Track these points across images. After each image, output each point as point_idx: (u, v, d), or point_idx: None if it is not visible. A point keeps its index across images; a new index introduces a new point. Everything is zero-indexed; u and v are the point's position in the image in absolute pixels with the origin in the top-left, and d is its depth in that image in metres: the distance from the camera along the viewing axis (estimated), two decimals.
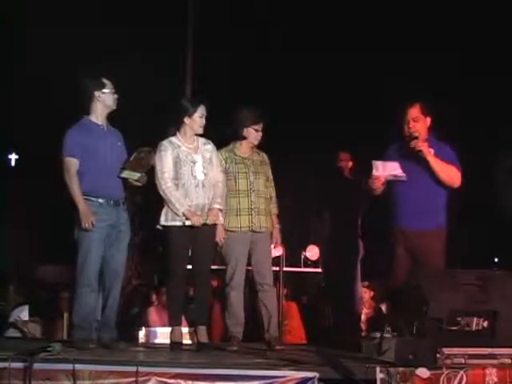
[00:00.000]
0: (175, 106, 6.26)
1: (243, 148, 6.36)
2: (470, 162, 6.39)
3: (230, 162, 6.29)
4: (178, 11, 11.42)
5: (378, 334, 5.26)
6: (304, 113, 11.88)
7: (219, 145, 6.35)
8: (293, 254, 9.14)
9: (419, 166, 6.07)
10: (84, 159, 5.82)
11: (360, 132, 10.63)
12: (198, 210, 6.00)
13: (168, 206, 6.00)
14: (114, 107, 6.01)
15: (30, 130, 12.36)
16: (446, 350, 5.01)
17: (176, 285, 6.05)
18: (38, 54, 10.84)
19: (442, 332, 5.10)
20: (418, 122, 6.15)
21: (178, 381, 4.75)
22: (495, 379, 4.98)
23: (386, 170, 6.07)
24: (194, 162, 6.07)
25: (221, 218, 6.12)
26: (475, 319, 5.17)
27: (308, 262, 9.41)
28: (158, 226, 6.09)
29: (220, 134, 6.50)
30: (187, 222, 5.96)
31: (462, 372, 4.95)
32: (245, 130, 6.30)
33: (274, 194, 6.45)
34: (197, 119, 6.10)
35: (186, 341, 6.44)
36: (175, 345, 6.02)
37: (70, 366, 4.70)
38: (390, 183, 6.13)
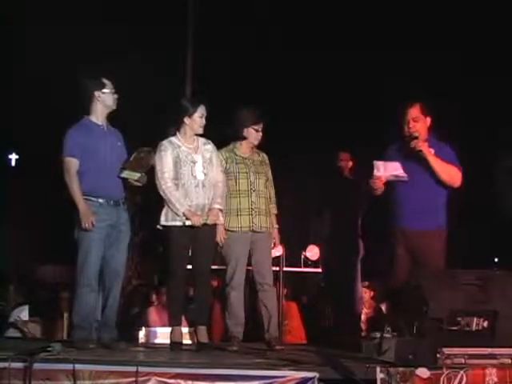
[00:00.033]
0: (175, 106, 6.26)
1: (243, 148, 6.36)
2: (470, 161, 6.39)
3: (230, 162, 6.29)
4: (178, 11, 11.42)
5: (378, 334, 5.25)
6: (304, 113, 11.88)
7: (219, 145, 6.35)
8: (293, 254, 9.14)
9: (419, 166, 6.08)
10: (84, 159, 5.82)
11: (360, 132, 10.63)
12: (198, 210, 6.00)
13: (168, 206, 6.00)
14: (114, 107, 6.01)
15: (30, 129, 12.36)
16: (446, 350, 5.01)
17: (176, 285, 6.05)
18: (38, 54, 10.84)
19: (442, 332, 5.10)
20: (418, 122, 6.15)
21: (178, 381, 4.75)
22: (495, 379, 4.98)
23: (387, 170, 6.07)
24: (194, 162, 6.07)
25: (221, 218, 6.12)
26: (475, 319, 5.17)
27: (308, 262, 9.41)
28: (158, 226, 6.09)
29: (220, 134, 6.50)
30: (187, 222, 5.96)
31: (462, 372, 4.95)
32: (245, 130, 6.30)
33: (273, 195, 6.45)
34: (197, 119, 6.10)
35: (186, 341, 6.44)
36: (175, 345, 6.02)
37: (70, 366, 4.70)
38: (390, 183, 6.13)
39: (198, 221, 5.96)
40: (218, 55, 11.65)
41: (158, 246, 9.27)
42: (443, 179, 6.09)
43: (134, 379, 4.71)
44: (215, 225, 6.09)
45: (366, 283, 8.49)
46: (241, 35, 11.71)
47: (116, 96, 6.00)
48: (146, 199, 8.26)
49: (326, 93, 11.67)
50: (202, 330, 6.08)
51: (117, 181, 5.95)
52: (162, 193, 6.01)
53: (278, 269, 8.12)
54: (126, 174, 5.93)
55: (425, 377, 4.89)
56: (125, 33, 11.08)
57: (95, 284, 5.86)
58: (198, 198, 6.01)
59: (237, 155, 6.33)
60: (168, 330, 6.24)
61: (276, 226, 6.45)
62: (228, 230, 6.20)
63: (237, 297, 6.20)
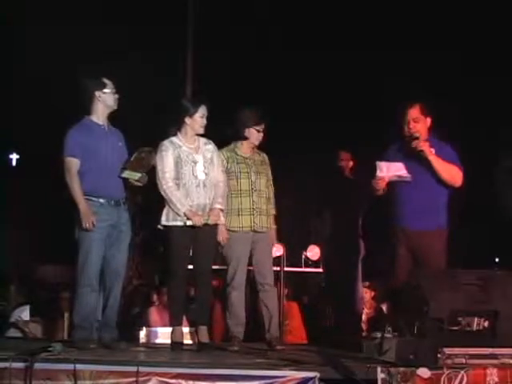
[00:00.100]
0: (176, 106, 6.26)
1: (244, 148, 6.36)
2: (471, 161, 6.39)
3: (231, 162, 6.29)
4: (178, 11, 11.42)
5: (378, 334, 5.25)
6: (304, 113, 11.88)
7: (220, 145, 6.35)
8: (294, 254, 9.13)
9: (420, 165, 6.08)
10: (85, 159, 5.82)
11: (360, 132, 10.63)
12: (199, 209, 6.00)
13: (169, 206, 6.00)
14: (115, 107, 6.01)
15: (30, 129, 12.36)
16: (447, 350, 5.01)
17: (177, 285, 6.05)
18: (38, 54, 10.84)
19: (443, 332, 5.10)
20: (419, 123, 6.16)
21: (179, 381, 4.75)
22: (496, 379, 4.98)
23: (390, 170, 6.07)
24: (195, 162, 6.07)
25: (222, 218, 6.12)
26: (476, 319, 5.17)
27: (309, 262, 9.41)
28: (159, 226, 6.09)
29: (220, 134, 6.50)
30: (188, 222, 5.96)
31: (462, 372, 4.95)
32: (246, 130, 6.30)
33: (272, 195, 6.45)
34: (198, 119, 6.10)
35: (187, 341, 6.44)
36: (176, 345, 6.02)
37: (70, 366, 4.69)
38: (391, 183, 6.13)
39: (199, 221, 5.96)
40: (218, 55, 11.65)
41: (158, 245, 9.26)
42: (444, 179, 6.09)
43: (134, 379, 4.70)
44: (216, 225, 6.09)
45: (367, 283, 8.50)
46: (241, 35, 11.71)
47: (117, 96, 6.00)
48: (147, 199, 8.25)
49: (326, 93, 11.67)
50: (203, 329, 6.08)
51: (117, 181, 5.94)
52: (163, 193, 6.02)
53: (278, 269, 8.12)
54: (126, 174, 5.93)
55: (425, 377, 4.89)
56: (125, 33, 11.09)
57: (96, 284, 5.86)
58: (198, 197, 6.01)
59: (238, 155, 6.33)
60: (169, 329, 6.24)
61: (274, 226, 6.45)
62: (229, 230, 6.20)
63: (238, 297, 6.20)
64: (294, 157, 10.79)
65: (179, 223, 5.98)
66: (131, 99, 6.58)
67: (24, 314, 8.27)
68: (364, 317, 8.36)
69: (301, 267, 9.34)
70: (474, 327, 5.17)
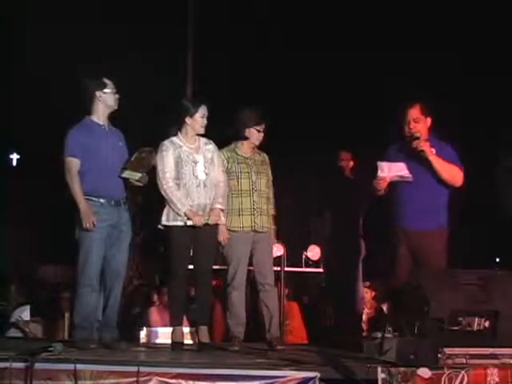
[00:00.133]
0: (176, 106, 6.26)
1: (245, 148, 6.36)
2: (471, 161, 6.39)
3: (232, 162, 6.29)
4: (178, 11, 11.42)
5: (379, 334, 5.25)
6: (304, 113, 11.89)
7: (220, 145, 6.35)
8: (294, 254, 9.14)
9: (421, 165, 6.08)
10: (85, 159, 5.82)
11: (360, 132, 10.63)
12: (199, 209, 6.00)
13: (169, 206, 6.00)
14: (116, 107, 6.01)
15: (30, 129, 12.37)
16: (448, 350, 5.01)
17: (177, 285, 6.05)
18: (38, 54, 10.84)
19: (444, 332, 5.10)
20: (419, 123, 6.15)
21: (180, 381, 4.75)
22: (496, 379, 4.98)
23: (391, 170, 6.07)
24: (196, 162, 6.07)
25: (222, 218, 6.12)
26: (476, 319, 5.17)
27: (309, 262, 9.41)
28: (160, 226, 6.08)
29: (220, 134, 6.50)
30: (189, 222, 5.96)
31: (463, 372, 4.95)
32: (247, 130, 6.29)
33: (272, 195, 6.44)
34: (198, 119, 6.10)
35: (188, 341, 6.44)
36: (176, 345, 6.02)
37: (71, 366, 4.69)
38: (391, 183, 6.13)
39: (199, 221, 5.96)
40: (218, 55, 11.66)
41: (159, 245, 9.27)
42: (445, 179, 6.09)
43: (135, 379, 4.70)
44: (216, 225, 6.09)
45: (368, 283, 8.50)
46: (241, 35, 11.71)
47: (117, 96, 6.00)
48: (148, 199, 8.25)
49: (326, 93, 11.67)
50: (204, 329, 6.08)
51: (118, 181, 5.94)
52: (163, 193, 6.01)
53: (279, 269, 8.12)
54: (126, 174, 5.93)
55: (426, 377, 4.89)
56: (125, 33, 11.09)
57: (96, 284, 5.85)
58: (199, 197, 6.01)
59: (238, 155, 6.33)
60: (169, 329, 6.24)
61: (273, 226, 6.45)
62: (230, 230, 6.19)
63: (238, 297, 6.20)
64: (294, 157, 10.79)
65: (179, 223, 5.98)
66: (131, 99, 6.58)
67: (24, 313, 8.28)
68: (364, 317, 8.36)
69: (301, 267, 9.34)
70: (475, 327, 5.17)
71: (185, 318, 6.57)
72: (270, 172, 6.45)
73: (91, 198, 5.82)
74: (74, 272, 6.02)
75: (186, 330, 6.55)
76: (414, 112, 6.17)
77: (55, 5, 10.79)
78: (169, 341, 6.16)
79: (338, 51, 11.49)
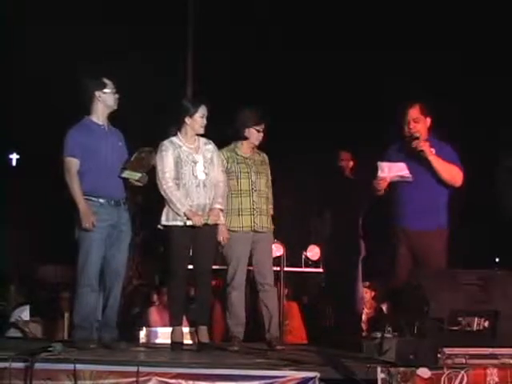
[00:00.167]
0: (176, 106, 6.26)
1: (244, 148, 6.36)
2: (471, 161, 6.39)
3: (231, 162, 6.29)
4: (178, 11, 11.42)
5: (378, 334, 5.24)
6: (304, 113, 11.88)
7: (220, 145, 6.35)
8: (294, 254, 9.14)
9: (421, 166, 6.08)
10: (85, 159, 5.82)
11: (360, 132, 10.63)
12: (199, 209, 6.00)
13: (169, 206, 6.00)
14: (115, 107, 6.01)
15: (30, 129, 12.37)
16: (447, 350, 5.01)
17: (177, 285, 6.05)
18: (38, 54, 10.84)
19: (443, 332, 5.10)
20: (419, 123, 6.16)
21: (179, 381, 4.75)
22: (496, 379, 4.98)
23: (392, 171, 6.07)
24: (195, 162, 6.06)
25: (222, 218, 6.12)
26: (476, 319, 5.17)
27: (309, 262, 9.41)
28: (159, 226, 6.09)
29: (220, 134, 6.50)
30: (188, 222, 5.96)
31: (462, 372, 4.95)
32: (246, 130, 6.29)
33: (271, 195, 6.44)
34: (198, 119, 6.10)
35: (187, 341, 6.44)
36: (176, 345, 6.02)
37: (70, 366, 4.69)
38: (392, 183, 6.13)
39: (198, 221, 5.96)
40: (218, 55, 11.65)
41: (158, 245, 9.26)
42: (445, 179, 6.10)
43: (134, 379, 4.70)
44: (216, 225, 6.09)
45: (367, 283, 8.50)
46: (241, 35, 11.71)
47: (117, 96, 6.00)
48: (147, 199, 8.25)
49: (326, 93, 11.67)
50: (203, 329, 6.08)
51: (118, 181, 5.94)
52: (163, 193, 6.01)
53: (278, 269, 8.13)
54: (126, 174, 5.93)
55: (426, 377, 4.89)
56: (125, 33, 11.08)
57: (96, 284, 5.85)
58: (198, 197, 6.01)
59: (238, 155, 6.33)
60: (169, 329, 6.24)
61: (272, 226, 6.44)
62: (229, 230, 6.19)
63: (238, 297, 6.20)
64: (294, 157, 10.79)
65: (179, 223, 5.98)
66: (131, 99, 6.58)
67: (24, 314, 8.28)
68: (364, 317, 8.36)
69: (301, 267, 9.34)
70: (474, 327, 5.17)
71: (184, 318, 6.57)
72: (269, 172, 6.45)
73: (91, 198, 5.81)
74: (73, 272, 6.01)
75: (186, 329, 6.55)
76: (414, 112, 6.17)
77: (55, 5, 10.79)
78: (168, 341, 6.16)
79: (338, 51, 11.48)
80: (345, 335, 6.98)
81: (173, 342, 6.05)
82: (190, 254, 6.13)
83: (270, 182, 6.43)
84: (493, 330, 5.19)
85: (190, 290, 6.71)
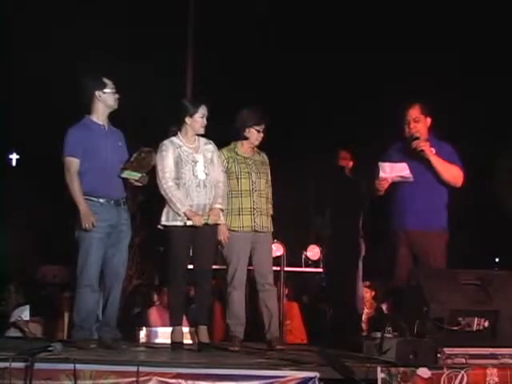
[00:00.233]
0: (176, 106, 6.26)
1: (245, 148, 6.36)
2: (471, 161, 6.39)
3: (232, 162, 6.28)
4: (178, 11, 11.43)
5: (378, 334, 5.24)
6: (304, 113, 11.89)
7: (220, 145, 6.35)
8: (294, 254, 9.12)
9: (421, 166, 6.08)
10: (85, 159, 5.81)
11: (360, 132, 10.64)
12: (199, 209, 5.99)
13: (169, 206, 6.00)
14: (116, 107, 6.00)
15: (30, 129, 12.38)
16: (447, 350, 5.01)
17: (177, 285, 6.05)
18: (38, 54, 10.84)
19: (443, 332, 5.10)
20: (419, 123, 6.15)
21: (179, 381, 4.74)
22: (496, 379, 4.97)
23: (393, 171, 6.06)
24: (196, 162, 6.06)
25: (222, 218, 6.12)
26: (476, 319, 5.17)
27: (309, 262, 9.39)
28: (159, 226, 6.08)
29: (220, 134, 6.50)
30: (188, 222, 5.95)
31: (462, 372, 4.94)
32: (247, 130, 6.29)
33: (271, 195, 6.44)
34: (198, 119, 6.10)
35: (187, 341, 6.43)
36: (176, 345, 6.02)
37: (70, 366, 4.68)
38: (392, 183, 6.12)
39: (199, 221, 5.96)
40: (218, 55, 11.66)
41: (158, 246, 9.26)
42: (445, 179, 6.09)
43: (134, 379, 4.69)
44: (216, 225, 6.09)
45: (367, 283, 8.50)
46: (241, 35, 11.71)
47: (117, 96, 5.99)
48: (147, 199, 8.25)
49: (325, 93, 11.68)
50: (203, 329, 6.07)
51: (118, 181, 5.94)
52: (163, 192, 6.01)
53: (278, 269, 8.13)
54: (126, 174, 5.93)
55: (426, 377, 4.89)
56: (125, 33, 11.09)
57: (96, 284, 5.85)
58: (199, 197, 6.01)
59: (238, 155, 6.33)
60: (169, 329, 6.23)
61: (272, 226, 6.44)
62: (230, 230, 6.19)
63: (238, 297, 6.19)
64: (294, 157, 10.79)
65: (179, 223, 5.97)
66: (131, 99, 6.58)
67: (24, 313, 8.29)
68: (364, 317, 8.36)
69: (301, 267, 9.33)
70: (474, 327, 5.17)
71: (184, 318, 6.57)
72: (269, 172, 6.45)
73: (91, 198, 5.81)
74: (73, 272, 6.01)
75: (186, 330, 6.54)
76: (414, 112, 6.17)
77: (55, 5, 10.79)
78: (168, 341, 6.16)
79: (339, 51, 11.50)
80: (345, 335, 6.97)
81: (173, 342, 6.05)
82: (190, 254, 6.13)
83: (270, 182, 6.43)
84: (493, 330, 5.19)
85: (190, 290, 6.70)
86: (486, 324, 5.18)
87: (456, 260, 6.20)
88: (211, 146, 6.20)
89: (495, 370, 4.99)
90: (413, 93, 7.39)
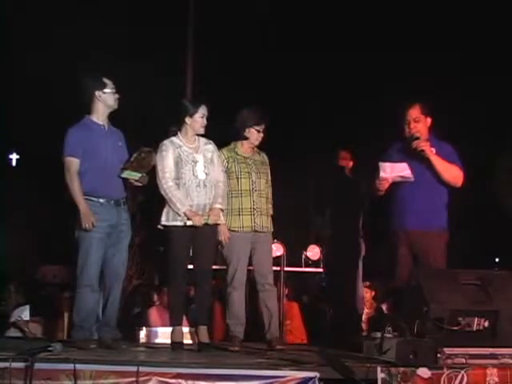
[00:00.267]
0: (176, 106, 6.26)
1: (245, 148, 6.36)
2: (471, 162, 6.39)
3: (232, 162, 6.28)
4: (178, 11, 11.43)
5: (378, 334, 5.24)
6: (304, 113, 11.89)
7: (220, 145, 6.35)
8: (294, 254, 9.13)
9: (421, 165, 6.08)
10: (85, 159, 5.81)
11: (360, 132, 10.64)
12: (199, 209, 5.99)
13: (169, 206, 6.00)
14: (116, 107, 6.00)
15: (30, 129, 12.38)
16: (447, 350, 5.01)
17: (177, 285, 6.05)
18: (38, 54, 10.84)
19: (443, 332, 5.10)
20: (419, 123, 6.15)
21: (179, 381, 4.74)
22: (496, 379, 4.97)
23: (394, 171, 6.06)
24: (196, 162, 6.06)
25: (222, 218, 6.12)
26: (476, 319, 5.17)
27: (309, 262, 9.40)
28: (159, 226, 6.08)
29: (220, 134, 6.50)
30: (188, 222, 5.95)
31: (462, 372, 4.94)
32: (247, 130, 6.29)
33: (270, 195, 6.44)
34: (198, 119, 6.10)
35: (187, 341, 6.43)
36: (176, 345, 6.02)
37: (70, 366, 4.68)
38: (392, 183, 6.12)
39: (199, 221, 5.95)
40: (218, 55, 11.66)
41: (158, 246, 9.26)
42: (445, 179, 6.09)
43: (134, 379, 4.69)
44: (216, 225, 6.09)
45: (367, 283, 8.50)
46: (241, 35, 11.72)
47: (117, 96, 5.99)
48: (148, 199, 8.25)
49: (325, 93, 11.68)
50: (203, 329, 6.08)
51: (118, 181, 5.94)
52: (163, 192, 6.01)
53: (278, 269, 8.13)
54: (126, 174, 5.93)
55: (426, 377, 4.89)
56: (125, 33, 11.09)
57: (96, 284, 5.85)
58: (199, 197, 6.00)
59: (238, 155, 6.33)
60: (169, 329, 6.23)
61: (271, 226, 6.44)
62: (230, 230, 6.19)
63: (238, 297, 6.19)
64: (294, 157, 10.79)
65: (179, 223, 5.97)
66: (131, 99, 6.58)
67: (24, 313, 8.29)
68: (364, 317, 8.36)
69: (301, 267, 9.33)
70: (474, 327, 5.17)
71: (184, 318, 6.57)
72: (269, 172, 6.45)
73: (91, 198, 5.81)
74: (73, 272, 6.01)
75: (186, 329, 6.54)
76: (414, 112, 6.17)
77: (55, 4, 10.79)
78: (168, 341, 6.16)
79: (339, 51, 11.50)
80: (345, 335, 6.97)
81: (173, 342, 6.05)
82: (190, 254, 6.13)
83: (270, 182, 6.43)
84: (493, 330, 5.19)
85: (190, 290, 6.70)
86: (486, 324, 5.18)
87: (456, 260, 6.20)
88: (211, 146, 6.20)
89: (495, 370, 4.99)
90: (413, 93, 7.38)
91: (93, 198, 5.82)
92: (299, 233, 9.82)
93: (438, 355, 4.97)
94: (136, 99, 8.89)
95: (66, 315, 8.43)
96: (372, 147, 6.93)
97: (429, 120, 6.21)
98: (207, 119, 6.13)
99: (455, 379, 4.92)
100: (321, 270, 8.96)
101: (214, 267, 6.34)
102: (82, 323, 5.80)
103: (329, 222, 7.95)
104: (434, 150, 6.09)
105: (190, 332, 6.64)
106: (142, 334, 7.39)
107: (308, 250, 9.29)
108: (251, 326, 6.48)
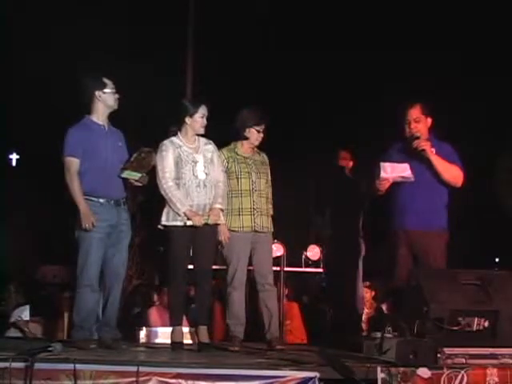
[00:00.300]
0: (176, 106, 6.26)
1: (245, 148, 6.36)
2: (471, 162, 6.39)
3: (232, 162, 6.28)
4: (178, 11, 11.43)
5: (378, 334, 5.24)
6: (304, 113, 11.89)
7: (220, 145, 6.35)
8: (294, 254, 9.13)
9: (421, 165, 6.08)
10: (85, 159, 5.81)
11: (360, 132, 10.64)
12: (199, 209, 5.99)
13: (169, 206, 6.00)
14: (116, 107, 6.00)
15: (30, 129, 12.38)
16: (447, 350, 5.01)
17: (177, 285, 6.05)
18: (38, 54, 10.84)
19: (443, 332, 5.10)
20: (420, 123, 6.16)
21: (179, 381, 4.74)
22: (496, 379, 4.97)
23: (394, 171, 6.06)
24: (196, 162, 6.06)
25: (222, 218, 6.12)
26: (476, 319, 5.17)
27: (309, 262, 9.40)
28: (159, 226, 6.08)
29: (220, 134, 6.50)
30: (188, 222, 5.95)
31: (462, 372, 4.94)
32: (247, 130, 6.29)
33: (270, 195, 6.44)
34: (198, 119, 6.10)
35: (187, 341, 6.43)
36: (176, 345, 6.02)
37: (70, 366, 4.68)
38: (392, 183, 6.12)
39: (199, 221, 5.95)
40: (218, 55, 11.66)
41: (158, 245, 9.26)
42: (445, 179, 6.09)
43: (134, 379, 4.69)
44: (216, 225, 6.09)
45: (367, 283, 8.50)
46: (241, 35, 11.72)
47: (117, 96, 5.99)
48: (148, 199, 8.25)
49: (325, 93, 11.68)
50: (203, 329, 6.08)
51: (118, 181, 5.94)
52: (163, 192, 6.01)
53: (278, 269, 8.13)
54: (126, 174, 5.93)
55: (426, 377, 4.89)
56: (125, 33, 11.09)
57: (96, 284, 5.85)
58: (199, 197, 6.00)
59: (238, 155, 6.33)
60: (169, 329, 6.23)
61: (272, 226, 6.44)
62: (230, 230, 6.19)
63: (238, 297, 6.19)
64: (294, 157, 10.79)
65: (179, 223, 5.97)
66: (131, 99, 6.58)
67: (24, 313, 8.29)
68: (364, 317, 8.36)
69: (301, 267, 9.33)
70: (474, 327, 5.17)
71: (184, 318, 6.57)
72: (269, 172, 6.45)
73: (91, 198, 5.81)
74: (73, 272, 6.01)
75: (186, 330, 6.54)
76: (415, 112, 6.17)
77: (55, 4, 10.79)
78: (168, 341, 6.16)
79: (339, 51, 11.50)
80: (345, 335, 6.97)
81: (173, 342, 6.05)
82: (190, 254, 6.13)
83: (270, 182, 6.43)
84: (493, 330, 5.19)
85: (190, 290, 6.70)
86: (486, 324, 5.18)
87: (456, 260, 6.20)
88: (211, 146, 6.20)
89: (495, 370, 4.99)
90: (413, 93, 7.38)
91: (93, 198, 5.82)
92: (299, 233, 9.82)
93: (438, 355, 4.97)
94: (136, 99, 8.88)
95: (66, 315, 8.42)
96: (372, 147, 6.93)
97: (429, 120, 6.21)
98: (207, 119, 6.14)
99: (455, 379, 4.92)
100: (321, 270, 8.97)
101: (214, 267, 6.34)
102: (82, 323, 5.80)
103: (329, 222, 7.95)
104: (434, 150, 6.09)
105: (190, 332, 6.64)
106: (142, 334, 7.39)
107: (308, 250, 9.30)
108: (251, 326, 6.48)
